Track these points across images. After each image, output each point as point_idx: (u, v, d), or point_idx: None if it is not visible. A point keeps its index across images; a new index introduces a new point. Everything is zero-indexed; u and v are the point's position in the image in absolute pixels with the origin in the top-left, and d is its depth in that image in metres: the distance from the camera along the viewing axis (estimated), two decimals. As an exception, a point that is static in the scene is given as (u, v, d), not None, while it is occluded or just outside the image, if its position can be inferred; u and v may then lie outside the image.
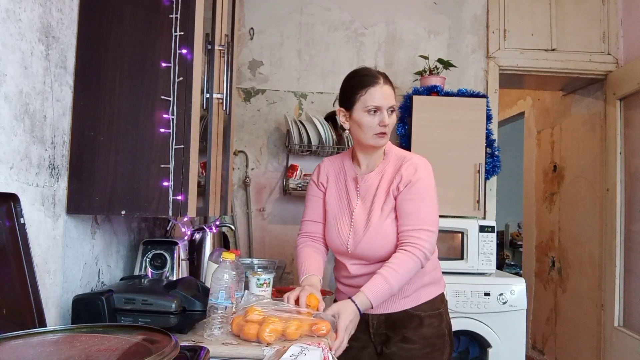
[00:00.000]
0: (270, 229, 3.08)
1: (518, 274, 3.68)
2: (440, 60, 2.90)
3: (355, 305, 1.42)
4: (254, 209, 3.07)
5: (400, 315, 1.59)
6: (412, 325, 1.58)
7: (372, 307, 1.45)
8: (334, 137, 2.84)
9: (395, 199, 1.55)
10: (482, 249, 2.66)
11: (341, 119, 1.60)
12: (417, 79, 3.01)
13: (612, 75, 3.16)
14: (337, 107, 1.64)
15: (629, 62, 3.06)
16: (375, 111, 1.50)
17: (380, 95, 1.50)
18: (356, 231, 1.58)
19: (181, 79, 1.31)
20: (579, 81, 3.42)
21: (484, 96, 2.87)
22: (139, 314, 1.28)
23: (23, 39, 1.10)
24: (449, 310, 1.72)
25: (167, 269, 1.76)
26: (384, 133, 1.52)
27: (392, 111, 1.53)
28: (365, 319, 1.59)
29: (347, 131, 1.62)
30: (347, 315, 1.40)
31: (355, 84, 1.53)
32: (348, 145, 2.82)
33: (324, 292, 1.76)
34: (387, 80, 1.54)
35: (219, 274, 1.45)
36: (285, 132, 3.01)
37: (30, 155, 1.14)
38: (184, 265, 1.85)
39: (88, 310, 1.26)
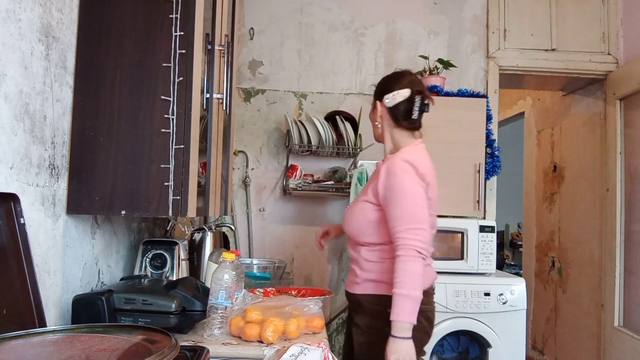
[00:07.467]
0: (270, 229, 3.08)
1: (518, 274, 3.68)
2: (440, 60, 2.90)
3: (391, 335, 1.47)
4: (254, 209, 3.07)
5: (355, 298, 1.71)
6: (359, 310, 1.69)
7: (409, 323, 1.47)
8: (334, 137, 2.84)
9: (376, 198, 1.64)
10: (482, 249, 2.66)
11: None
12: (417, 79, 3.01)
13: (612, 75, 3.16)
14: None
15: (629, 62, 3.06)
16: None
17: None
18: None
19: (181, 79, 1.31)
20: (579, 81, 3.41)
21: (484, 96, 2.86)
22: (139, 314, 1.29)
23: (23, 39, 1.10)
24: (435, 311, 1.74)
25: (167, 269, 1.76)
26: None
27: None
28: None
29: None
30: (390, 350, 1.46)
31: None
32: (348, 146, 2.83)
33: (323, 292, 1.80)
34: None
35: (219, 274, 1.45)
36: (285, 132, 3.01)
37: (30, 155, 1.14)
38: (184, 265, 1.86)
39: (88, 310, 1.26)
